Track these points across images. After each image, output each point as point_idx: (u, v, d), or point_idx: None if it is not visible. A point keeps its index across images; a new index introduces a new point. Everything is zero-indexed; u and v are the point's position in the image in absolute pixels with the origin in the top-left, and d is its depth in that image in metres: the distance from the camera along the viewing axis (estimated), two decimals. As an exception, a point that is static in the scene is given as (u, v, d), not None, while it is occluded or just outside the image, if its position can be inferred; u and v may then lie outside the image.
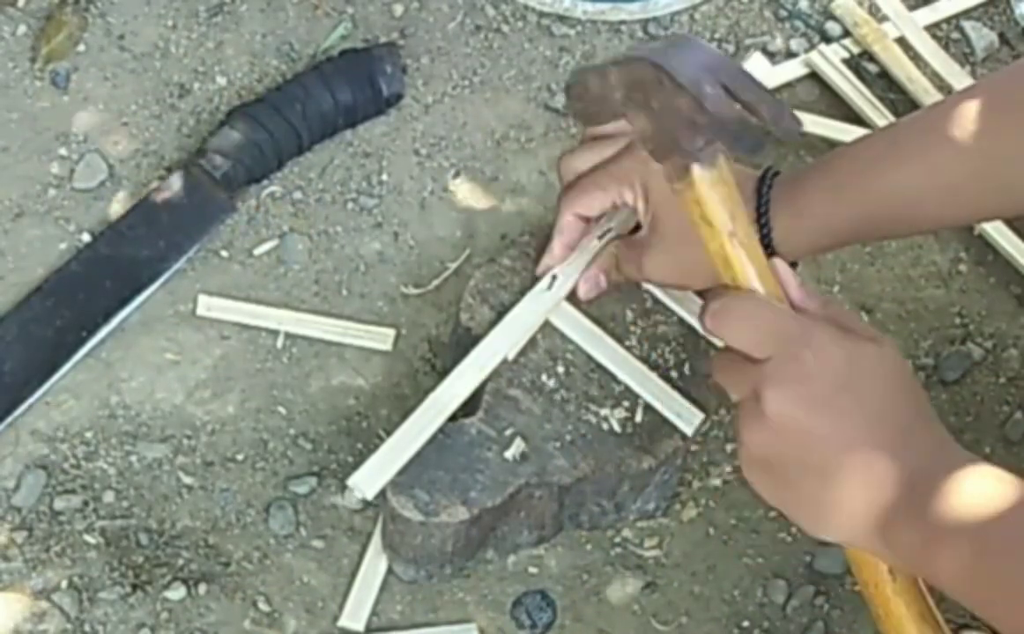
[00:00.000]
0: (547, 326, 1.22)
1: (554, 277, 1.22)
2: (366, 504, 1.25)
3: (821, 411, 0.93)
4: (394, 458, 1.15)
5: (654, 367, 1.21)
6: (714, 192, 0.99)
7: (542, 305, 1.22)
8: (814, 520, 0.96)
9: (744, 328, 0.97)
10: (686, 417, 1.19)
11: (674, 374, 1.22)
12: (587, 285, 1.22)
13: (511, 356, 1.20)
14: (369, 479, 1.14)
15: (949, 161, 1.08)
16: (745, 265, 0.99)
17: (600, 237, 1.22)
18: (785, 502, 0.97)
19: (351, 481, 1.15)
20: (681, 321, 1.24)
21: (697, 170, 0.98)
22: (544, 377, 1.21)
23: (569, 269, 1.22)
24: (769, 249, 1.10)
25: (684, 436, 1.19)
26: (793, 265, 1.06)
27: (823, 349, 0.94)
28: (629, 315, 1.24)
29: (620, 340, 1.23)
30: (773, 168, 1.12)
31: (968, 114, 1.08)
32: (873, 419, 0.94)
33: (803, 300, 1.00)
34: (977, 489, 0.92)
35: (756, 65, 1.46)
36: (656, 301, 1.25)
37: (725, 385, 1.00)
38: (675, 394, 1.20)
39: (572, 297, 1.23)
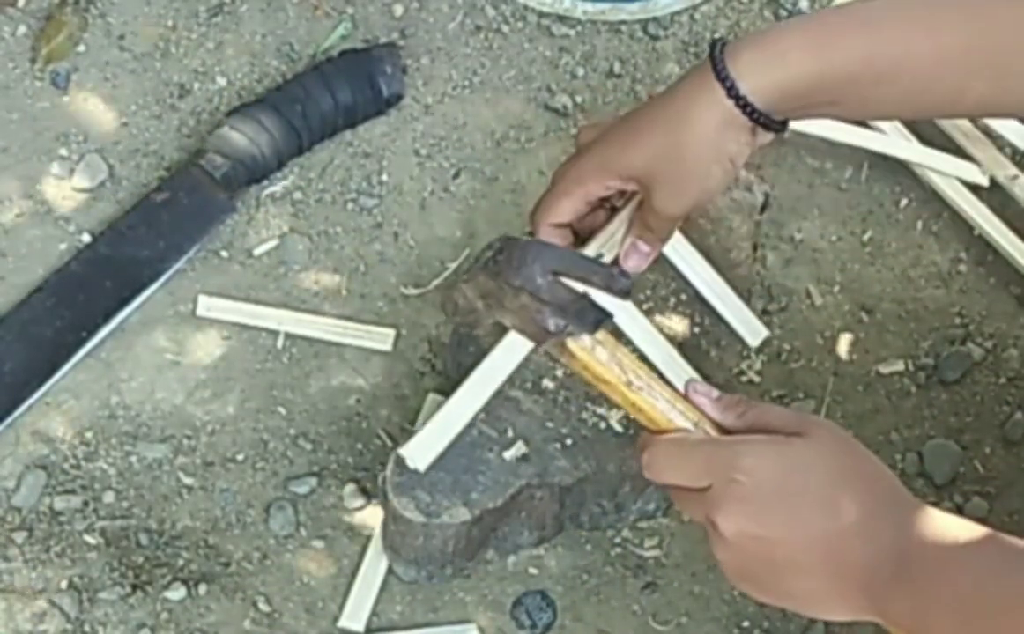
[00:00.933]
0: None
1: (600, 255, 1.19)
2: (366, 501, 1.25)
3: (771, 520, 0.95)
4: (447, 430, 1.11)
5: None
6: (597, 355, 1.04)
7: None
8: (809, 610, 0.99)
9: (676, 469, 1.00)
10: (753, 329, 1.23)
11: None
12: (634, 258, 1.16)
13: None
14: (421, 450, 1.11)
15: (946, 28, 1.05)
16: (653, 406, 1.03)
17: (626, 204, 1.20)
18: (777, 600, 1.00)
19: (403, 451, 1.11)
20: (684, 316, 1.24)
21: (571, 344, 1.04)
22: (545, 378, 1.21)
23: (611, 243, 1.19)
24: (744, 103, 1.05)
25: None
26: (780, 126, 1.07)
27: (754, 464, 0.96)
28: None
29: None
30: (721, 39, 1.08)
31: None
32: (824, 507, 0.95)
33: (722, 414, 1.03)
34: (960, 552, 0.92)
35: None
36: (659, 299, 1.25)
37: (687, 513, 1.04)
38: (743, 306, 1.22)
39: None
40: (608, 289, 1.09)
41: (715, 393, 1.04)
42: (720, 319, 1.25)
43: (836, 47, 1.05)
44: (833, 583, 0.95)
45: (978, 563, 0.91)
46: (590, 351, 1.04)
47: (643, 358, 1.18)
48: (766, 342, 1.33)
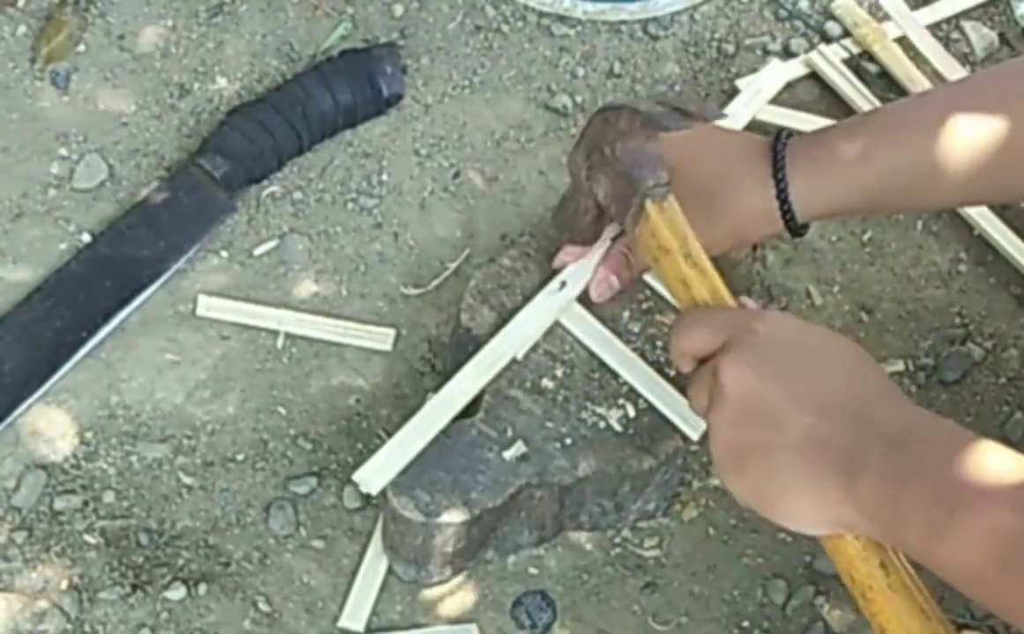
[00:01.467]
0: (549, 327, 1.22)
1: (563, 282, 1.23)
2: (366, 503, 1.25)
3: (772, 372, 0.95)
4: (400, 454, 1.15)
5: (654, 367, 1.22)
6: (666, 221, 1.08)
7: (552, 306, 1.22)
8: (786, 505, 0.97)
9: (701, 330, 1.01)
10: (691, 421, 1.19)
11: (674, 375, 1.22)
12: (599, 288, 1.22)
13: (520, 356, 1.20)
14: (374, 475, 1.15)
15: (976, 132, 1.07)
16: (700, 282, 1.06)
17: (613, 239, 1.23)
18: (758, 493, 0.98)
19: (356, 476, 1.15)
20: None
21: (650, 204, 1.07)
22: (545, 378, 1.21)
23: (580, 270, 1.22)
24: (787, 208, 1.10)
25: (685, 437, 1.19)
26: (803, 230, 1.11)
27: (773, 322, 0.98)
28: (627, 316, 1.24)
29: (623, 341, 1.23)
30: (787, 130, 1.12)
31: (997, 88, 1.09)
32: (824, 381, 0.95)
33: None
34: (946, 449, 0.91)
35: (772, 70, 1.45)
36: (659, 299, 1.25)
37: (694, 400, 1.03)
38: (680, 397, 1.20)
39: (582, 298, 1.23)
40: (701, 110, 1.11)
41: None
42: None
43: (885, 163, 1.09)
44: (813, 463, 0.94)
45: (955, 459, 0.90)
46: (661, 216, 1.08)
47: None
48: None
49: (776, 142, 1.11)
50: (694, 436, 1.18)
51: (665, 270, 1.08)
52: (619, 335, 1.23)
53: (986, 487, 0.89)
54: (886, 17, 1.51)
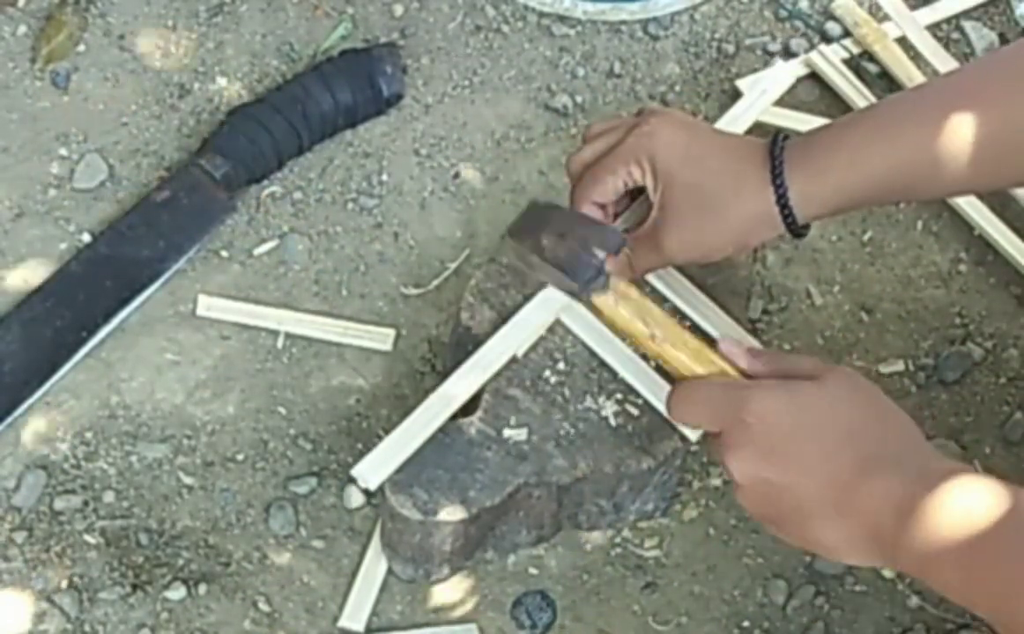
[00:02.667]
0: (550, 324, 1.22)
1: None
2: (367, 500, 1.25)
3: (779, 463, 1.00)
4: (399, 450, 1.15)
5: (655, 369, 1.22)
6: (620, 309, 1.14)
7: (553, 304, 1.22)
8: (829, 555, 1.01)
9: (693, 412, 1.08)
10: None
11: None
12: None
13: (520, 354, 1.20)
14: (373, 470, 1.14)
15: (969, 123, 1.07)
16: (676, 356, 1.11)
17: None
18: (800, 544, 1.03)
19: (355, 471, 1.15)
20: (683, 316, 1.24)
21: (596, 298, 1.14)
22: (544, 376, 1.20)
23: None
24: (787, 212, 1.10)
25: (684, 438, 1.19)
26: (804, 230, 1.12)
27: (763, 407, 1.01)
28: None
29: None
30: (784, 132, 1.13)
31: (988, 79, 1.10)
32: (831, 453, 0.98)
33: (752, 364, 1.08)
34: (963, 502, 0.93)
35: (778, 71, 1.45)
36: (660, 298, 1.25)
37: (715, 458, 1.11)
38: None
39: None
40: (603, 246, 1.14)
41: (747, 344, 1.10)
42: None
43: (882, 159, 1.09)
44: (843, 529, 0.97)
45: (980, 514, 0.92)
46: (613, 306, 1.12)
47: (678, 311, 1.22)
48: (766, 343, 1.33)
49: (773, 146, 1.11)
50: (693, 438, 1.18)
51: (639, 346, 1.15)
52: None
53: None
54: (886, 17, 1.51)
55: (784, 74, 1.44)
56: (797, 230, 1.13)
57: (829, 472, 0.98)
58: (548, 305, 1.22)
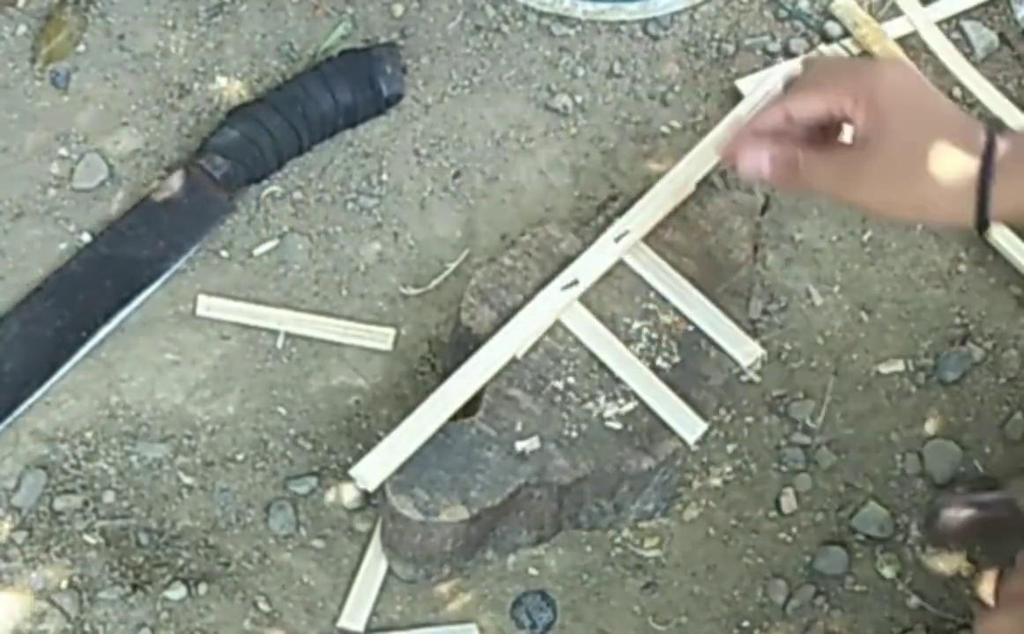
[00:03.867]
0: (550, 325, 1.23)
1: (575, 280, 1.23)
2: (366, 503, 1.25)
3: (926, 104, 1.07)
4: (399, 450, 1.15)
5: (655, 370, 1.22)
6: None
7: (554, 304, 1.22)
8: (927, 199, 1.05)
9: (823, 85, 1.09)
10: (688, 425, 1.19)
11: (673, 376, 1.22)
12: (748, 163, 1.11)
13: (520, 354, 1.20)
14: (372, 470, 1.15)
15: None
16: None
17: (617, 239, 1.23)
18: (905, 190, 1.06)
19: (354, 472, 1.15)
20: (683, 319, 1.24)
21: None
22: (544, 377, 1.20)
23: (586, 273, 1.23)
24: (983, 201, 1.07)
25: (683, 440, 1.19)
26: (986, 226, 1.09)
27: (901, 68, 1.10)
28: (628, 318, 1.24)
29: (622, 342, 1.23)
30: (1000, 123, 1.14)
31: None
32: (947, 110, 1.07)
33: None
34: None
35: (780, 72, 1.45)
36: (660, 300, 1.25)
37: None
38: (679, 401, 1.20)
39: (584, 298, 1.23)
40: None
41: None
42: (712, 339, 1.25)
43: None
44: (949, 159, 1.04)
45: None
46: None
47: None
48: (765, 343, 1.33)
49: (991, 133, 1.07)
50: (691, 439, 1.18)
51: None
52: (621, 337, 1.23)
53: None
54: (886, 17, 1.51)
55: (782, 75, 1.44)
56: (984, 223, 1.09)
57: (950, 119, 1.05)
58: (548, 306, 1.22)
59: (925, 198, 1.07)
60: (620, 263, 1.26)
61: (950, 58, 1.48)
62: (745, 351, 1.23)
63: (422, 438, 1.16)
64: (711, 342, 1.23)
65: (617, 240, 1.25)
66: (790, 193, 1.12)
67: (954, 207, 1.06)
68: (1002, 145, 1.07)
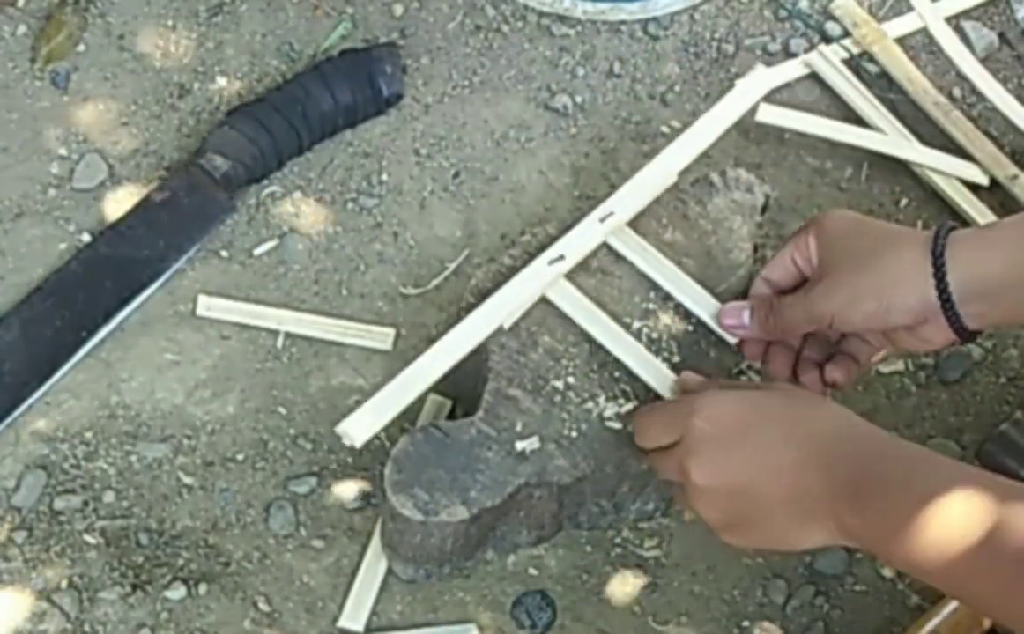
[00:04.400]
0: (547, 322, 1.22)
1: (562, 255, 1.23)
2: (366, 502, 1.25)
3: (736, 459, 1.03)
4: (385, 409, 1.16)
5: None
6: None
7: (542, 279, 1.22)
8: (792, 545, 1.03)
9: (653, 427, 1.10)
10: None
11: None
12: (731, 319, 1.20)
13: (507, 325, 1.20)
14: (358, 427, 1.15)
15: None
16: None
17: (602, 220, 1.23)
18: (762, 543, 1.05)
19: (340, 428, 1.15)
20: (684, 316, 1.24)
21: None
22: (544, 377, 1.20)
23: (572, 251, 1.23)
24: (951, 311, 1.07)
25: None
26: (971, 334, 1.09)
27: (715, 409, 1.05)
28: (628, 317, 1.24)
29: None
30: (947, 226, 1.08)
31: None
32: (782, 443, 1.02)
33: (703, 383, 1.14)
34: (920, 475, 0.96)
35: (759, 75, 1.44)
36: (661, 299, 1.25)
37: (663, 473, 1.11)
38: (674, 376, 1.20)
39: (571, 275, 1.23)
40: None
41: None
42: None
43: None
44: (802, 516, 1.00)
45: (924, 482, 0.95)
46: None
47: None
48: (766, 342, 1.33)
49: (935, 242, 1.07)
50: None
51: None
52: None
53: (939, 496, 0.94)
54: (886, 17, 1.51)
55: (764, 78, 1.42)
56: (960, 328, 1.08)
57: (782, 461, 1.01)
58: (535, 279, 1.22)
59: (885, 281, 1.08)
60: (621, 261, 1.25)
61: (958, 55, 1.48)
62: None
63: (410, 398, 1.16)
64: (710, 342, 1.23)
65: (603, 220, 1.25)
66: (770, 338, 1.19)
67: (914, 281, 1.06)
68: (956, 237, 1.07)
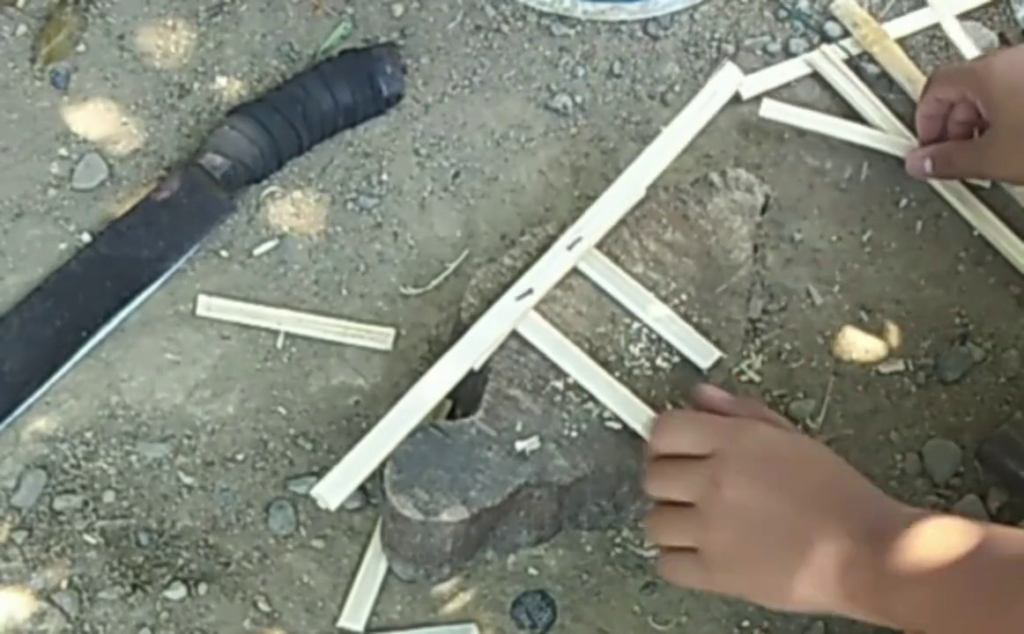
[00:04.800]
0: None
1: (530, 290, 1.23)
2: (366, 503, 1.25)
3: (772, 486, 1.03)
4: (359, 468, 1.16)
5: (654, 370, 1.22)
6: None
7: (509, 316, 1.22)
8: (781, 591, 1.03)
9: (686, 430, 1.08)
10: (702, 351, 1.21)
11: (673, 376, 1.22)
12: (915, 163, 1.37)
13: (477, 366, 1.20)
14: (332, 489, 1.15)
15: None
16: None
17: (569, 247, 1.23)
18: (749, 586, 1.05)
19: (315, 492, 1.16)
20: (684, 315, 1.24)
21: None
22: (544, 377, 1.20)
23: (540, 282, 1.23)
24: None
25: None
26: None
27: (763, 434, 1.06)
28: (628, 318, 1.24)
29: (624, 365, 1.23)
30: None
31: None
32: (819, 489, 1.03)
33: (733, 407, 1.12)
34: (930, 536, 0.98)
35: (728, 73, 1.43)
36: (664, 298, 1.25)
37: (664, 531, 1.09)
38: (642, 405, 1.19)
39: (539, 307, 1.23)
40: None
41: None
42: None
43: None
44: (815, 559, 1.00)
45: (947, 547, 0.96)
46: None
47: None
48: (766, 343, 1.33)
49: None
50: (704, 366, 1.20)
51: None
52: (620, 359, 1.22)
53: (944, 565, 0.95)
54: (886, 18, 1.51)
55: (732, 76, 1.41)
56: None
57: (816, 503, 1.02)
58: (503, 317, 1.21)
59: None
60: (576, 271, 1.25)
61: (970, 53, 1.47)
62: (703, 354, 1.22)
63: (383, 454, 1.16)
64: (710, 342, 1.23)
65: (570, 247, 1.25)
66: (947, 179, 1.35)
67: None
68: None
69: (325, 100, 1.39)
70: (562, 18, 1.49)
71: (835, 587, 1.00)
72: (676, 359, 1.22)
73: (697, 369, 1.22)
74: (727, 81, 1.37)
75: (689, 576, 1.09)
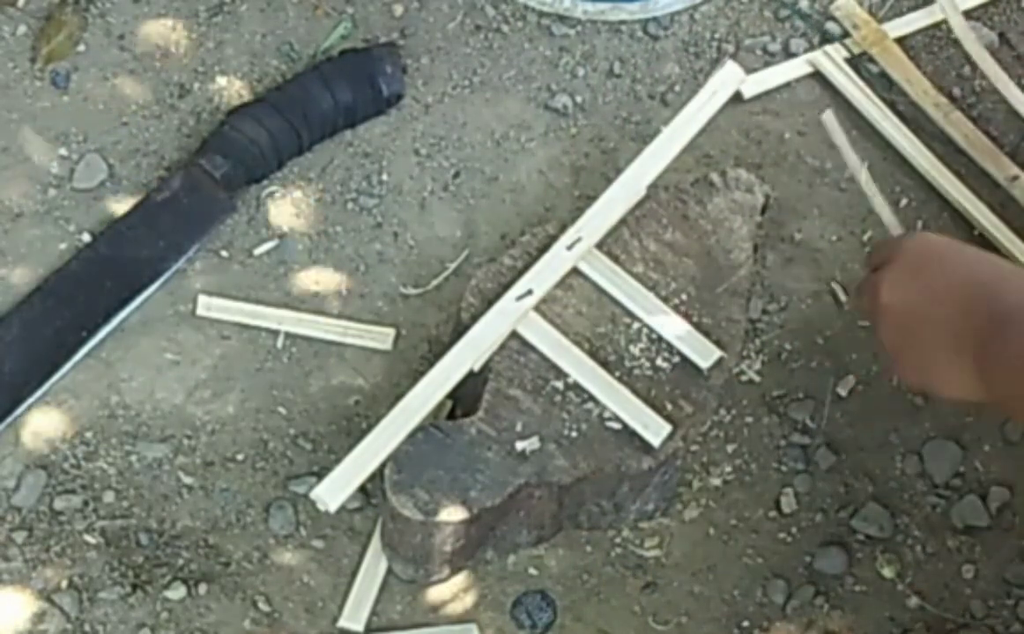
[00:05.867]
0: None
1: (529, 290, 1.23)
2: (366, 502, 1.25)
3: (915, 280, 1.11)
4: (358, 470, 1.16)
5: (654, 370, 1.22)
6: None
7: (509, 316, 1.22)
8: (941, 380, 1.10)
9: (878, 253, 1.18)
10: (652, 428, 1.19)
11: (673, 376, 1.22)
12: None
13: (477, 367, 1.20)
14: (332, 491, 1.16)
15: None
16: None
17: (569, 247, 1.23)
18: (921, 376, 1.12)
19: (314, 494, 1.16)
20: (684, 315, 1.24)
21: None
22: (544, 377, 1.21)
23: (540, 283, 1.23)
24: None
25: (651, 448, 1.18)
26: None
27: (916, 239, 1.18)
28: (628, 318, 1.24)
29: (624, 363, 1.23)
30: None
31: None
32: (955, 286, 1.09)
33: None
34: None
35: (729, 71, 1.44)
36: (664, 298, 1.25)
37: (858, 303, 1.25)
38: (642, 405, 1.19)
39: (539, 307, 1.23)
40: None
41: None
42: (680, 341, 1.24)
43: None
44: (951, 347, 1.07)
45: None
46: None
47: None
48: (765, 343, 1.33)
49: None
50: (655, 443, 1.18)
51: None
52: (620, 359, 1.22)
53: None
54: (886, 18, 1.51)
55: (734, 74, 1.41)
56: None
57: (955, 302, 1.08)
58: (503, 318, 1.21)
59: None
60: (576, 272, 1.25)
61: (974, 49, 1.47)
62: (703, 353, 1.23)
63: (382, 455, 1.16)
64: (710, 341, 1.23)
65: (570, 247, 1.25)
66: None
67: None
68: None
69: (325, 100, 1.39)
70: (562, 18, 1.49)
71: (970, 378, 1.06)
72: (676, 359, 1.22)
73: (697, 369, 1.22)
74: (728, 79, 1.37)
75: (891, 372, 1.26)
